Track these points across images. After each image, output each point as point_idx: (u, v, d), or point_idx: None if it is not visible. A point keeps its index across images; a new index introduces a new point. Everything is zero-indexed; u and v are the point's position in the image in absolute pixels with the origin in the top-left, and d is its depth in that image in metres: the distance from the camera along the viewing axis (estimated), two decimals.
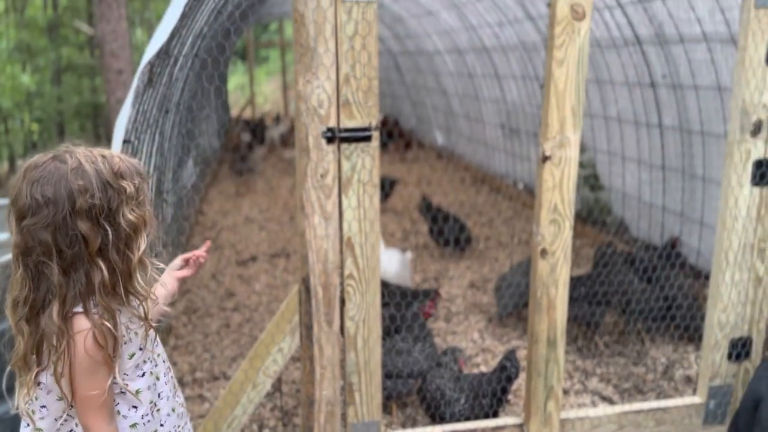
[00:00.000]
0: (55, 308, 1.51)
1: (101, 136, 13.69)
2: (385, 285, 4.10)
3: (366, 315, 2.54)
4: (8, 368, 1.63)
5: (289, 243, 6.44)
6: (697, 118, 4.69)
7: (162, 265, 1.73)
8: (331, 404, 2.60)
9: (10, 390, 1.66)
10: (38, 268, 1.51)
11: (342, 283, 2.50)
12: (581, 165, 6.13)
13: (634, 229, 5.71)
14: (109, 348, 1.55)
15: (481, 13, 7.09)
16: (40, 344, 1.55)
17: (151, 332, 1.72)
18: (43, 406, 1.61)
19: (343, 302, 2.52)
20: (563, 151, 2.55)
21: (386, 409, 3.35)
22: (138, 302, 1.63)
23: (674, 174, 5.08)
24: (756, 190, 2.80)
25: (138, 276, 1.60)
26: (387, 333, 3.54)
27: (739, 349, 2.98)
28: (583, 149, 6.21)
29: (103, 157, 1.57)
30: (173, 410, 1.81)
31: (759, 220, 2.83)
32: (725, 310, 2.92)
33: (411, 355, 3.30)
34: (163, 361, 1.80)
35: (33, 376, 1.57)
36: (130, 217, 1.56)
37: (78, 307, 1.53)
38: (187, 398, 3.51)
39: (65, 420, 1.62)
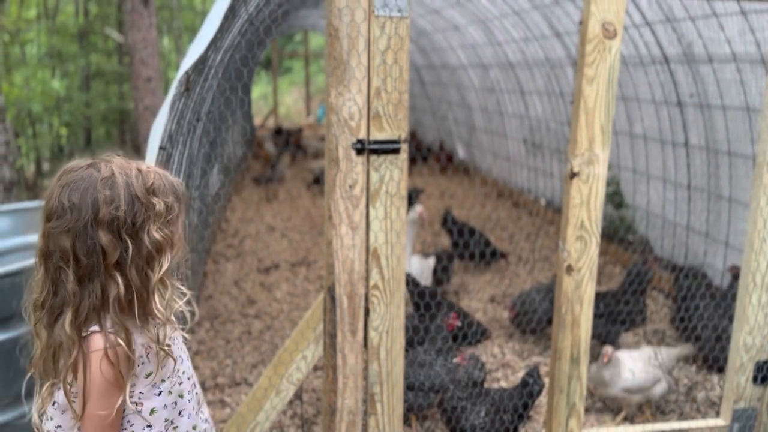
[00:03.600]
0: (68, 318, 1.47)
1: (126, 141, 13.90)
2: (416, 284, 4.13)
3: (390, 326, 2.55)
4: (27, 375, 1.61)
5: (310, 252, 6.48)
6: (725, 138, 4.66)
7: (185, 290, 1.67)
8: (352, 414, 2.62)
9: (29, 395, 1.64)
10: (57, 273, 1.49)
11: (367, 294, 2.52)
12: (606, 182, 6.11)
13: (658, 248, 5.67)
14: (122, 368, 1.50)
15: (507, 28, 7.12)
16: (58, 352, 1.52)
17: (180, 350, 1.67)
18: (59, 426, 1.57)
19: (367, 312, 2.53)
20: (591, 168, 2.56)
21: (406, 420, 3.35)
22: (153, 326, 1.56)
23: (700, 194, 5.04)
24: None
25: (156, 298, 1.54)
26: (410, 344, 3.55)
27: (765, 372, 2.94)
28: (608, 166, 6.18)
29: (139, 171, 1.54)
30: (194, 428, 1.74)
31: None
32: (751, 333, 2.89)
33: (433, 368, 3.30)
34: (188, 378, 1.73)
35: (48, 387, 1.55)
36: (156, 235, 1.51)
37: (94, 326, 1.49)
38: (208, 403, 3.54)
39: None
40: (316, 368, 3.73)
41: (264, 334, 4.54)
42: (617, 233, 6.17)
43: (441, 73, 10.59)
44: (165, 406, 1.64)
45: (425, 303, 3.98)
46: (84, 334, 1.49)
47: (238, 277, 5.74)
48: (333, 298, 2.51)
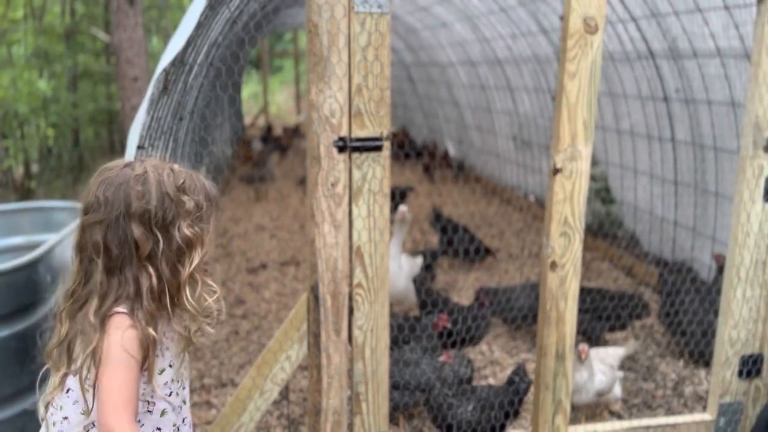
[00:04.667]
0: (92, 306, 1.52)
1: (115, 142, 13.82)
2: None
3: (374, 324, 2.54)
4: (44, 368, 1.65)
5: (299, 251, 6.46)
6: (710, 133, 4.67)
7: (215, 286, 1.70)
8: (337, 413, 2.60)
9: (43, 382, 1.67)
10: (89, 265, 1.55)
11: (351, 292, 2.50)
12: (593, 178, 6.12)
13: (646, 243, 5.68)
14: (145, 352, 1.52)
15: (495, 25, 7.12)
16: (73, 342, 1.55)
17: (185, 354, 1.69)
18: (65, 418, 1.58)
19: (351, 311, 2.52)
20: (574, 164, 2.55)
21: (393, 419, 3.34)
22: (183, 319, 1.60)
23: (686, 189, 5.05)
24: None
25: (187, 292, 1.59)
26: (395, 343, 3.54)
27: (750, 367, 2.95)
28: (595, 162, 6.20)
29: (171, 170, 1.61)
30: None
31: None
32: (736, 327, 2.90)
33: (419, 366, 3.29)
34: (188, 386, 1.75)
35: (60, 377, 1.58)
36: (186, 231, 1.57)
37: (122, 308, 1.52)
38: (194, 405, 3.52)
39: None
40: (302, 368, 3.72)
41: (252, 335, 4.52)
42: (604, 228, 6.19)
43: (430, 70, 10.58)
44: (173, 409, 1.65)
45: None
46: (109, 314, 1.52)
47: (226, 277, 5.72)
48: (317, 297, 2.49)
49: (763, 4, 2.61)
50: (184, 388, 1.71)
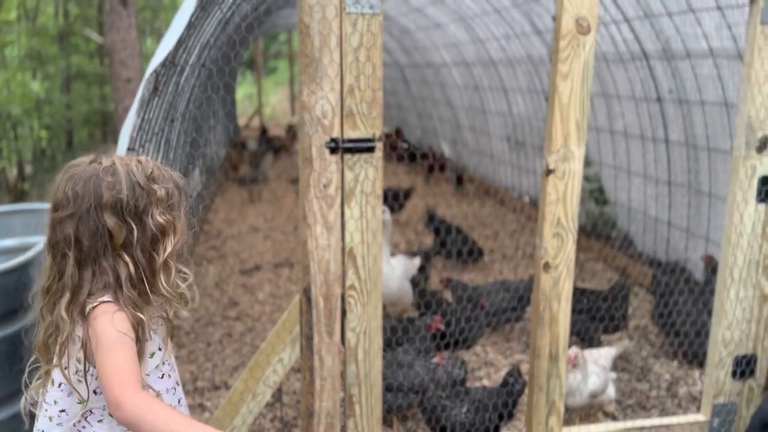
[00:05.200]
0: (64, 299, 1.54)
1: (109, 143, 13.76)
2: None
3: (367, 326, 2.53)
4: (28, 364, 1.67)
5: (293, 252, 6.44)
6: (704, 134, 4.67)
7: (187, 271, 1.75)
8: (330, 416, 2.59)
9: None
10: (62, 260, 1.56)
11: (343, 294, 2.49)
12: (587, 179, 6.12)
13: (639, 243, 5.69)
14: (136, 334, 1.55)
15: (489, 26, 7.12)
16: (54, 336, 1.58)
17: (169, 338, 1.73)
18: (63, 410, 1.60)
19: (344, 313, 2.51)
20: (567, 165, 2.54)
21: (386, 421, 3.33)
22: (161, 302, 1.65)
23: (680, 189, 5.06)
24: (761, 206, 2.78)
25: (162, 278, 1.62)
26: (388, 345, 3.53)
27: (744, 367, 2.95)
28: (589, 163, 6.20)
29: (139, 162, 1.63)
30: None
31: (764, 237, 2.82)
32: (730, 327, 2.90)
33: (412, 368, 3.28)
34: (176, 368, 1.80)
35: (45, 371, 1.61)
36: (159, 219, 1.59)
37: (106, 296, 1.55)
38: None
39: (83, 427, 1.61)
40: (295, 370, 3.70)
41: (245, 337, 4.50)
42: (598, 229, 6.19)
43: (425, 71, 10.57)
44: (167, 390, 1.69)
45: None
46: (93, 305, 1.53)
47: (219, 278, 5.69)
48: (309, 300, 2.48)
49: (756, 5, 2.61)
50: (174, 370, 1.75)
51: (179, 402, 1.75)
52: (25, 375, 1.68)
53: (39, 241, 3.26)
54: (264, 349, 2.56)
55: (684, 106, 4.81)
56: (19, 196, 10.72)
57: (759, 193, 2.77)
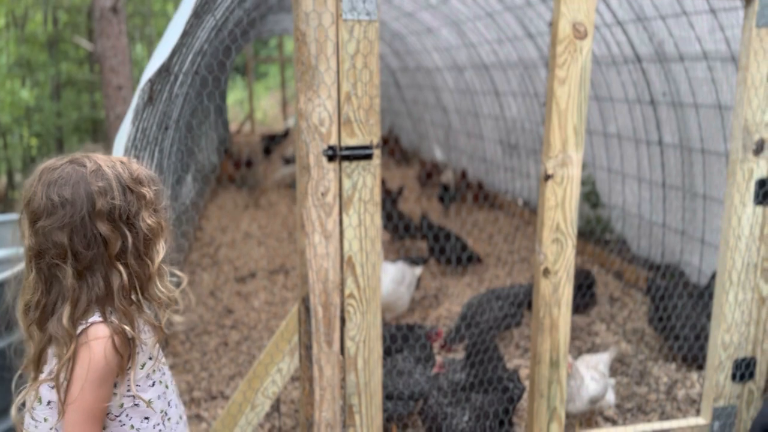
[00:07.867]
0: (65, 312, 1.48)
1: (100, 151, 13.65)
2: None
3: (367, 335, 2.50)
4: (15, 378, 1.62)
5: (288, 259, 6.41)
6: (698, 136, 4.68)
7: (180, 273, 1.72)
8: (330, 426, 2.56)
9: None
10: (51, 271, 1.49)
11: (342, 303, 2.47)
12: (581, 182, 6.12)
13: (635, 246, 5.69)
14: (126, 355, 1.52)
15: (481, 30, 7.12)
16: (45, 351, 1.53)
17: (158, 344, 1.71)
18: (52, 429, 1.55)
19: (343, 322, 2.48)
20: (565, 170, 2.53)
21: (386, 430, 3.31)
22: (153, 309, 1.61)
23: (675, 192, 5.07)
24: (759, 209, 2.78)
25: (157, 281, 1.59)
26: (387, 352, 3.50)
27: (743, 370, 2.94)
28: (582, 166, 6.20)
29: (122, 162, 1.58)
30: (180, 418, 1.78)
31: (762, 240, 2.81)
32: (729, 330, 2.89)
33: (412, 376, 3.26)
34: (168, 369, 1.78)
35: (36, 387, 1.54)
36: (150, 222, 1.55)
37: (95, 316, 1.50)
38: None
39: None
40: (294, 379, 3.67)
41: (241, 345, 4.46)
42: (594, 233, 6.19)
43: (416, 75, 10.58)
44: (159, 397, 1.66)
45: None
46: (83, 326, 1.48)
47: (214, 287, 5.65)
48: (308, 309, 2.45)
49: (751, 8, 2.61)
50: (164, 374, 1.72)
51: (169, 404, 1.72)
52: (12, 385, 1.63)
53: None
54: (262, 360, 2.53)
55: (678, 108, 4.82)
56: (9, 205, 10.62)
57: (756, 195, 2.77)
